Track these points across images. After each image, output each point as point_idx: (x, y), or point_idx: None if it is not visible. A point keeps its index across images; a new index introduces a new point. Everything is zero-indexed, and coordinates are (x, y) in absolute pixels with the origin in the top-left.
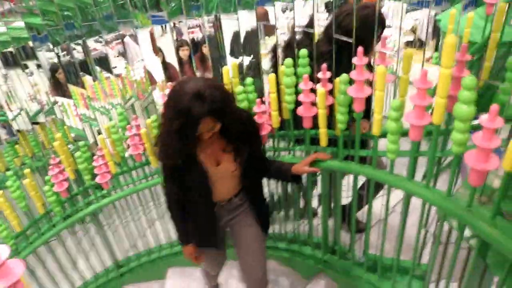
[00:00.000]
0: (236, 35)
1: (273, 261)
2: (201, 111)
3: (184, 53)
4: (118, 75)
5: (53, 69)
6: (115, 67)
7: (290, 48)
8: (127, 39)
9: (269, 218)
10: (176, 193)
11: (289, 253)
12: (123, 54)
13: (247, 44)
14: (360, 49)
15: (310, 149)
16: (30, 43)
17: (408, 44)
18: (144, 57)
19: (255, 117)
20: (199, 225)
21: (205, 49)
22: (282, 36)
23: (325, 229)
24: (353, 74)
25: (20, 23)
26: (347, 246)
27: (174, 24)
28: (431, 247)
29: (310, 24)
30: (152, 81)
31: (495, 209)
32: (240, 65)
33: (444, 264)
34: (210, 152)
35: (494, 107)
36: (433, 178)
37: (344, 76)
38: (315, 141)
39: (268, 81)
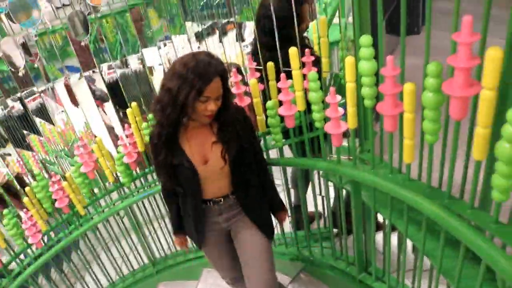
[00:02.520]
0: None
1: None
2: (218, 67)
3: None
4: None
5: None
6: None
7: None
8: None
9: (270, 221)
10: (169, 185)
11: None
12: (40, 110)
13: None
14: (283, 75)
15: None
16: None
17: None
18: (65, 108)
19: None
20: (189, 220)
21: None
22: None
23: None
24: (280, 95)
25: None
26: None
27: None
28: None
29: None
30: None
31: (354, 160)
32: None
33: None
34: (198, 146)
35: (332, 89)
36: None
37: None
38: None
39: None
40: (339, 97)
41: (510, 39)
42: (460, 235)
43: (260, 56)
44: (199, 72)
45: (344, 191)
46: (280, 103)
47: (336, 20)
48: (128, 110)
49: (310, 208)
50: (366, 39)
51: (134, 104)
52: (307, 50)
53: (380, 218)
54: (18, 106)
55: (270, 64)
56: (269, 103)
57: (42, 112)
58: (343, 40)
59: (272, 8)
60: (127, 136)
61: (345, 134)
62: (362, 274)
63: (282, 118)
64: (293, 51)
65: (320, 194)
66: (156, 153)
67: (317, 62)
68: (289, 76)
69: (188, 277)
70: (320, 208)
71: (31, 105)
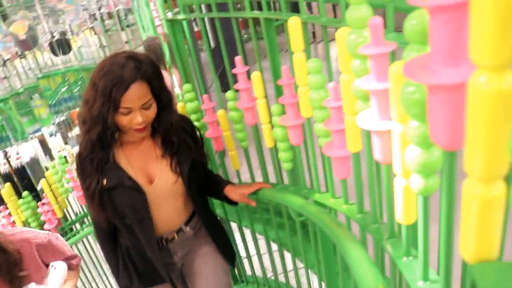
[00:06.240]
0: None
1: None
2: (140, 69)
3: None
4: None
5: None
6: None
7: None
8: None
9: (231, 243)
10: (105, 220)
11: None
12: None
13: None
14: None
15: None
16: None
17: None
18: None
19: None
20: (143, 262)
21: None
22: None
23: None
24: None
25: None
26: None
27: None
28: None
29: None
30: None
31: None
32: None
33: None
34: (140, 163)
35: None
36: None
37: None
38: None
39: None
40: None
41: None
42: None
43: None
44: (112, 78)
45: None
46: None
47: None
48: (3, 191)
49: None
50: (187, 86)
51: (8, 184)
52: None
53: None
54: None
55: None
56: None
57: None
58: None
59: None
60: (3, 217)
61: None
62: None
63: None
64: None
65: None
66: (84, 176)
67: None
68: None
69: None
70: None
71: None
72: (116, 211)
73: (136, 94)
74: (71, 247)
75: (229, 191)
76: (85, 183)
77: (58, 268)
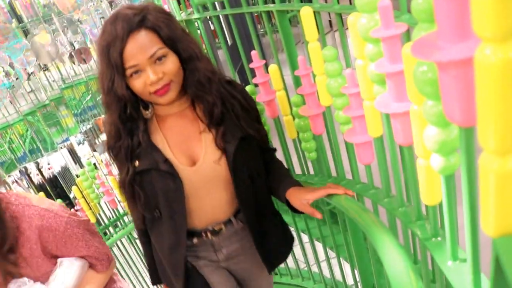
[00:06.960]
0: None
1: None
2: (132, 19)
3: None
4: None
5: None
6: None
7: None
8: None
9: (287, 254)
10: (139, 211)
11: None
12: None
13: None
14: None
15: None
16: None
17: None
18: None
19: None
20: (168, 261)
21: None
22: None
23: None
24: None
25: None
26: None
27: None
28: None
29: None
30: None
31: None
32: None
33: None
34: (181, 141)
35: None
36: None
37: None
38: None
39: None
40: None
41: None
42: None
43: None
44: (106, 36)
45: None
46: None
47: None
48: None
49: None
50: None
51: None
52: None
53: None
54: None
55: None
56: None
57: None
58: None
59: None
60: None
61: None
62: None
63: None
64: None
65: None
66: (119, 163)
67: None
68: None
69: None
70: None
71: None
72: (148, 201)
73: (137, 45)
74: None
75: (291, 196)
76: (122, 169)
77: (67, 266)
